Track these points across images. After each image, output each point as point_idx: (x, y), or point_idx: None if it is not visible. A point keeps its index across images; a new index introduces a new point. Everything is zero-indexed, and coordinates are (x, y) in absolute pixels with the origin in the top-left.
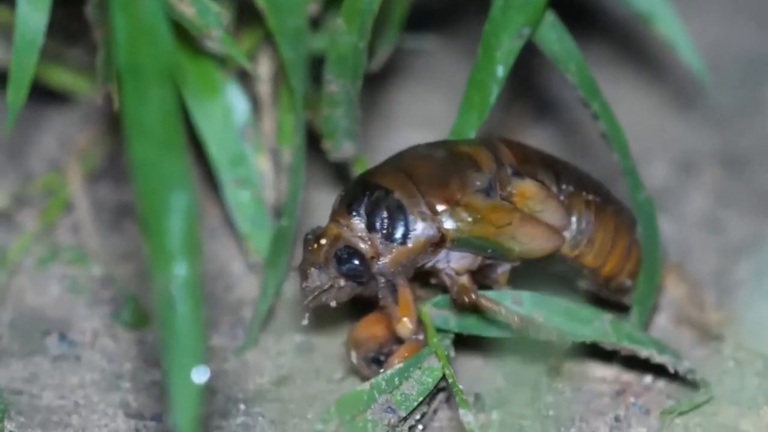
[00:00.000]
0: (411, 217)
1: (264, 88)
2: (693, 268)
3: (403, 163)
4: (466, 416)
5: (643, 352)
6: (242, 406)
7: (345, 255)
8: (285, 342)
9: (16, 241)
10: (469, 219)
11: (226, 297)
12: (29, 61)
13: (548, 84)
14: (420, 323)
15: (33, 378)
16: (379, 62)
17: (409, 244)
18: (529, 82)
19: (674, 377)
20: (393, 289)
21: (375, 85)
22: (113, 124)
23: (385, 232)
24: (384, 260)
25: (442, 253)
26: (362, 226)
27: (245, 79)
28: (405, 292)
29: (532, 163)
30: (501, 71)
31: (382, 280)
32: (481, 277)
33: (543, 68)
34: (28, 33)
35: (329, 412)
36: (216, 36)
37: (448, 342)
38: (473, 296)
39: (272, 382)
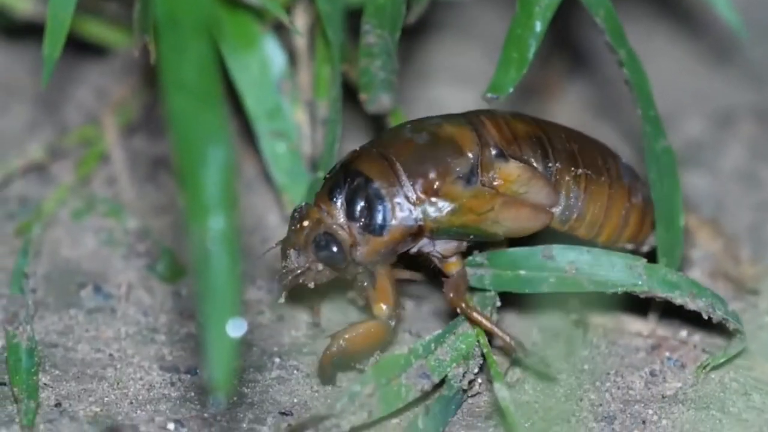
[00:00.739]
0: (389, 208)
1: (300, 41)
2: (728, 222)
3: (386, 148)
4: (501, 391)
5: (678, 300)
6: (277, 360)
7: (323, 242)
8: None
9: (51, 193)
10: (449, 209)
11: (262, 250)
12: (65, 14)
13: (585, 39)
14: (397, 309)
15: (68, 331)
16: (416, 15)
17: (386, 236)
18: (566, 37)
19: (710, 331)
20: (373, 274)
21: (411, 38)
22: (149, 76)
23: (363, 222)
24: (361, 250)
25: (425, 239)
26: (342, 213)
27: (282, 31)
28: (383, 279)
29: (518, 140)
30: (539, 26)
31: (360, 268)
32: (482, 246)
33: (580, 22)
34: None
35: (367, 374)
36: None
37: (492, 293)
38: (465, 307)
39: (308, 335)
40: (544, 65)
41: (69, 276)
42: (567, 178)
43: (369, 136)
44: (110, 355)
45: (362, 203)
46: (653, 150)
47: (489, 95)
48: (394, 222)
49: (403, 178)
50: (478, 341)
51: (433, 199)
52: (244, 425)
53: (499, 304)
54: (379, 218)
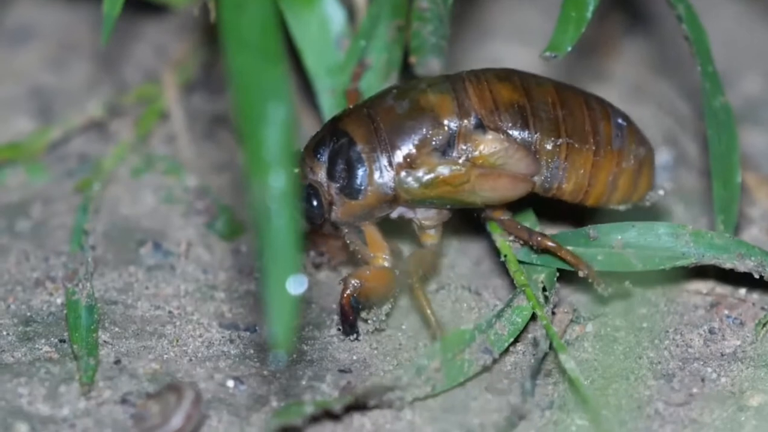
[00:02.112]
0: (367, 173)
1: None
2: None
3: (373, 112)
4: (568, 362)
5: (726, 264)
6: (336, 317)
7: (305, 194)
8: None
9: (111, 151)
10: (424, 180)
11: None
12: None
13: None
14: (394, 256)
15: (127, 288)
16: None
17: (361, 200)
18: None
19: None
20: (359, 230)
21: None
22: (209, 34)
23: (341, 183)
24: (336, 210)
25: (404, 207)
26: (324, 171)
27: None
28: (370, 231)
29: (499, 108)
30: None
31: (344, 228)
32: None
33: None
34: None
35: (434, 348)
36: None
37: (552, 269)
38: (413, 282)
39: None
40: (603, 22)
41: (128, 233)
42: (548, 147)
43: None
44: (170, 312)
45: (343, 165)
46: (711, 106)
47: (547, 54)
48: (370, 187)
49: (386, 143)
50: (534, 313)
51: (409, 170)
52: (304, 382)
53: (557, 286)
54: (357, 182)
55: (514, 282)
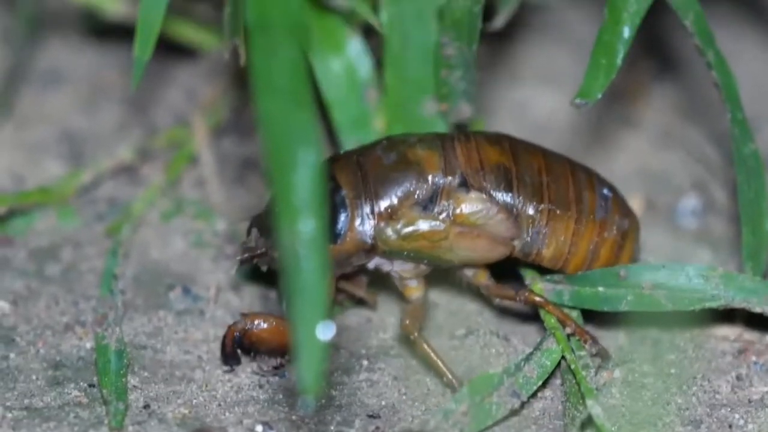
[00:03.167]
0: (348, 219)
1: None
2: None
3: (362, 160)
4: (594, 408)
5: (756, 308)
6: (365, 362)
7: None
8: None
9: (140, 195)
10: (402, 233)
11: None
12: (156, 15)
13: (673, 41)
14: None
15: (157, 332)
16: (503, 20)
17: (339, 244)
18: (653, 40)
19: None
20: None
21: (499, 40)
22: (239, 78)
23: None
24: None
25: (381, 258)
26: None
27: (369, 35)
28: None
29: (485, 169)
30: (627, 32)
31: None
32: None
33: (668, 25)
34: None
35: (462, 392)
36: None
37: (576, 314)
38: (417, 337)
39: (395, 338)
40: (632, 68)
41: (158, 277)
42: (530, 212)
43: None
44: (199, 357)
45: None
46: (741, 153)
47: (578, 101)
48: (349, 233)
49: (371, 192)
50: (563, 357)
51: (389, 221)
52: (332, 428)
53: (582, 322)
54: (337, 226)
55: (544, 325)
